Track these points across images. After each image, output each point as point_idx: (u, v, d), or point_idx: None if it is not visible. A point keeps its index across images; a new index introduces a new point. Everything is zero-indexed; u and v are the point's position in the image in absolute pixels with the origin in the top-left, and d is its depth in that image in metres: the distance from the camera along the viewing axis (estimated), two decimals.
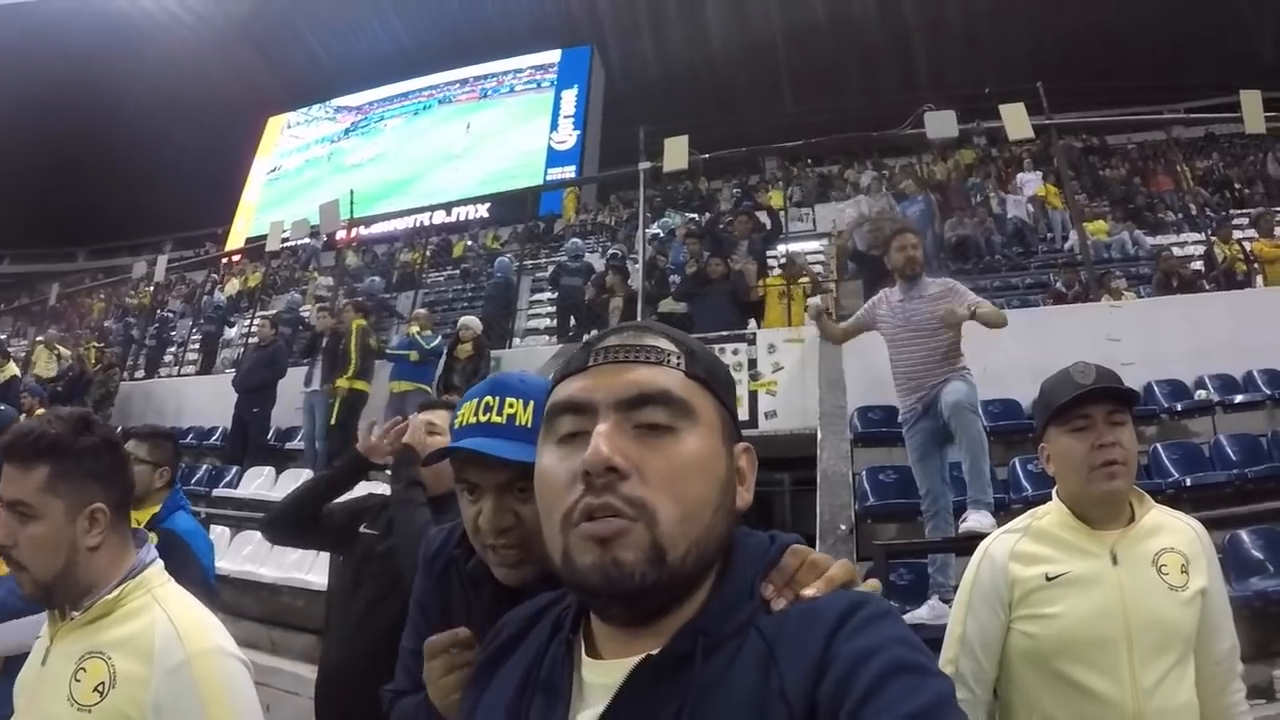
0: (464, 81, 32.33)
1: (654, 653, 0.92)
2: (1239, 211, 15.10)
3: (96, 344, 15.67)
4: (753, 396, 8.46)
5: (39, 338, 18.58)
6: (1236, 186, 17.15)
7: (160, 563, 1.94)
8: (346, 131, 33.89)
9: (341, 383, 9.70)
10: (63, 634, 1.80)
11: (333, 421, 9.69)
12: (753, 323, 9.91)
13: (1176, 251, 11.65)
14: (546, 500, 0.96)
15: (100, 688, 1.69)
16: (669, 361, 0.97)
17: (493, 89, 31.68)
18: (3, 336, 21.80)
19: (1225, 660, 2.16)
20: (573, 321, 12.48)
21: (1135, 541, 2.14)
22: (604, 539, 0.89)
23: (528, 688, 1.01)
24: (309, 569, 7.28)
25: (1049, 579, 2.14)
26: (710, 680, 0.89)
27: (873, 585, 1.04)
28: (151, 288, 18.35)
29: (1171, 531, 2.17)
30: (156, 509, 3.36)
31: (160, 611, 1.79)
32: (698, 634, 0.92)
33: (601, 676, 0.96)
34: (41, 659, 1.81)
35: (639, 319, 9.84)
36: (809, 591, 0.96)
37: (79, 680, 1.70)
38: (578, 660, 1.00)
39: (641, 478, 0.90)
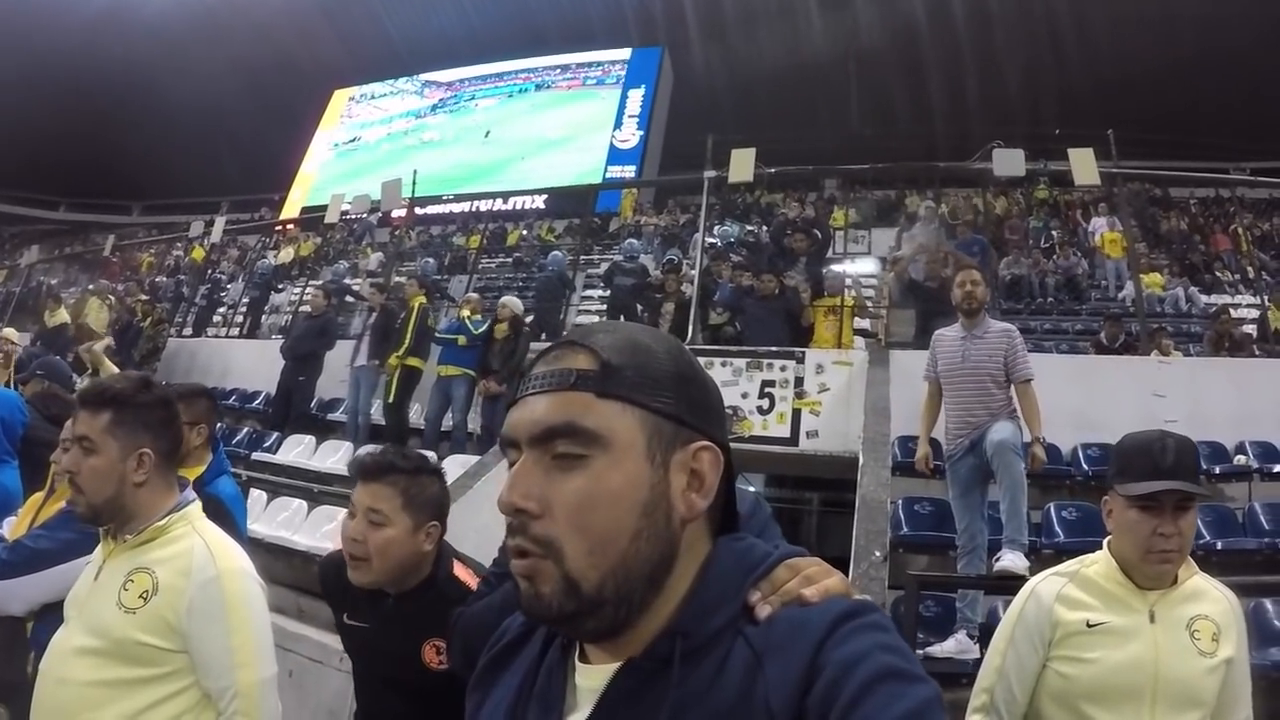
0: (565, 68, 31.82)
1: (636, 656, 0.96)
2: None
3: (145, 297, 15.73)
4: (795, 414, 8.43)
5: (90, 287, 18.85)
6: None
7: (199, 503, 2.39)
8: (434, 108, 33.64)
9: (393, 360, 9.57)
10: (115, 554, 2.25)
11: (391, 399, 9.57)
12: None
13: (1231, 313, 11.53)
14: None
15: (144, 595, 2.15)
16: (582, 384, 0.96)
17: (597, 79, 31.18)
18: (54, 282, 22.20)
19: None
20: (623, 321, 12.28)
21: (1174, 604, 2.26)
22: (525, 575, 0.94)
23: (525, 691, 1.05)
24: None
25: (1090, 626, 2.27)
26: (696, 688, 0.91)
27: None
28: (207, 246, 18.46)
29: (1209, 600, 2.28)
30: (200, 470, 3.43)
31: (198, 539, 2.26)
32: (675, 636, 0.94)
33: (590, 680, 0.99)
34: (94, 576, 2.24)
35: (690, 328, 9.91)
36: (806, 593, 0.96)
37: (127, 589, 2.18)
38: (571, 664, 1.03)
39: (551, 515, 0.93)
